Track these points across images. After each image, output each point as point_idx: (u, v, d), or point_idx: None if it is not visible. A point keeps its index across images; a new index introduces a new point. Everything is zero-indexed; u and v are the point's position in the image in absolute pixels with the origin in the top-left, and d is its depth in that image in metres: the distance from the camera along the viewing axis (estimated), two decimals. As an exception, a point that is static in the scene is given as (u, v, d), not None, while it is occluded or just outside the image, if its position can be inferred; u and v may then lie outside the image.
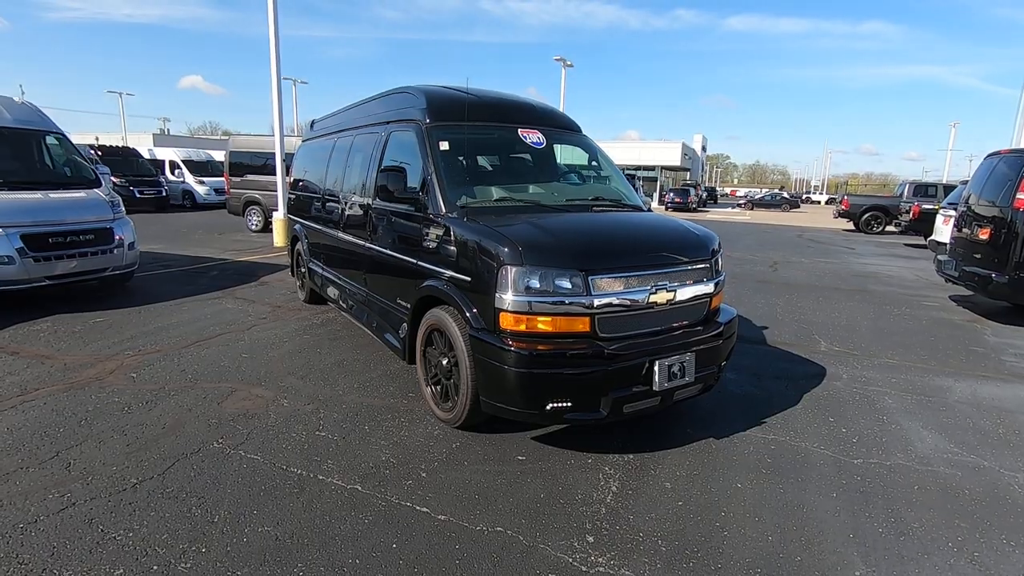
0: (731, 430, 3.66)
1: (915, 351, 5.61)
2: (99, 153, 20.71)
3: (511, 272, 2.97)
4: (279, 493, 2.81)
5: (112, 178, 19.75)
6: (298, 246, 6.80)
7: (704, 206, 45.26)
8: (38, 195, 6.44)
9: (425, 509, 2.71)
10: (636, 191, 4.68)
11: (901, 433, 3.72)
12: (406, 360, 3.97)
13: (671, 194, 36.76)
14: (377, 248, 4.35)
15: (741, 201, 49.85)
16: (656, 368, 3.11)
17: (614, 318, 3.09)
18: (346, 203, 5.03)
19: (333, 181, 5.46)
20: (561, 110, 4.81)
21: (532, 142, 4.14)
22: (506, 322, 3.00)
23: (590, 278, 3.00)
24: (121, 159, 21.14)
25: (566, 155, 4.65)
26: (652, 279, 3.21)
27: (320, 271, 5.96)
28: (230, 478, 2.93)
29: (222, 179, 17.98)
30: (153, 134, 51.83)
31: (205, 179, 22.97)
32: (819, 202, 67.73)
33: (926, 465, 3.30)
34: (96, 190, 7.10)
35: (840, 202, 23.31)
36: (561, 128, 4.59)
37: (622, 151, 45.51)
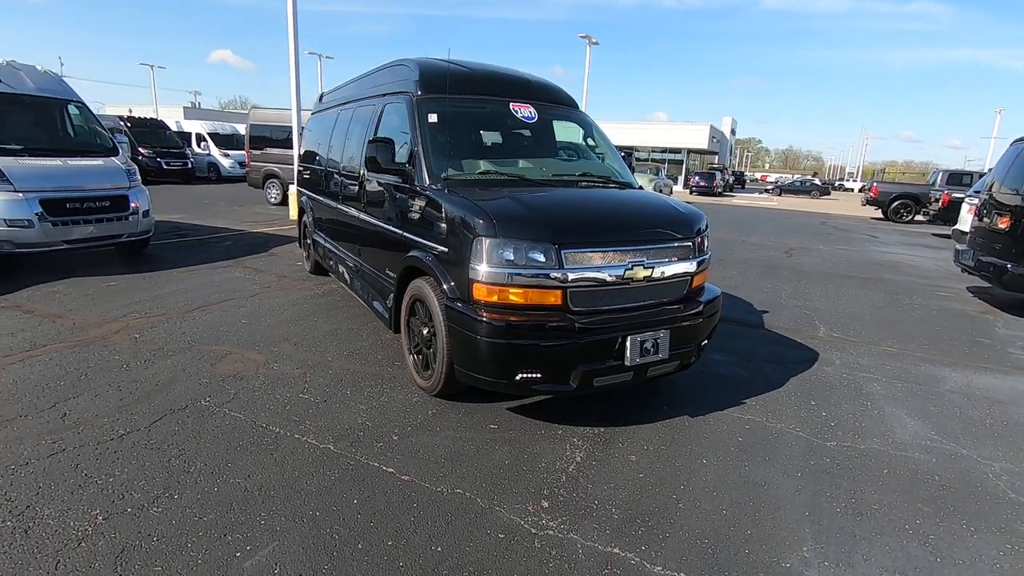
0: (708, 409, 3.67)
1: (917, 340, 5.50)
2: (128, 124, 21.19)
3: (485, 244, 3.01)
4: (255, 449, 2.94)
5: (140, 149, 20.33)
6: (305, 218, 6.94)
7: (731, 191, 44.33)
8: (57, 161, 6.66)
9: (391, 469, 2.81)
10: (631, 169, 4.63)
11: (882, 419, 3.68)
12: (392, 329, 4.06)
13: (696, 178, 35.99)
14: (368, 219, 4.43)
15: (769, 187, 48.64)
16: (628, 343, 3.13)
17: (587, 292, 3.11)
18: (343, 175, 5.11)
19: (334, 153, 5.54)
20: (559, 86, 4.76)
21: (523, 116, 4.13)
22: (479, 293, 3.05)
23: (563, 252, 3.02)
24: (149, 131, 21.58)
25: (563, 131, 4.62)
26: (629, 255, 3.21)
27: (323, 242, 6.08)
28: (211, 433, 3.07)
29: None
30: (184, 107, 52.57)
31: (230, 152, 23.35)
32: (852, 190, 65.66)
33: (901, 450, 3.27)
34: (113, 158, 7.31)
35: (869, 189, 22.61)
36: (556, 103, 4.56)
37: (648, 133, 44.75)
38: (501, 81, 4.37)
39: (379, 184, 4.21)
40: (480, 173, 3.72)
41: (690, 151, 44.75)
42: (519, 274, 3.00)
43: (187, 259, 7.54)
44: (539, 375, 3.05)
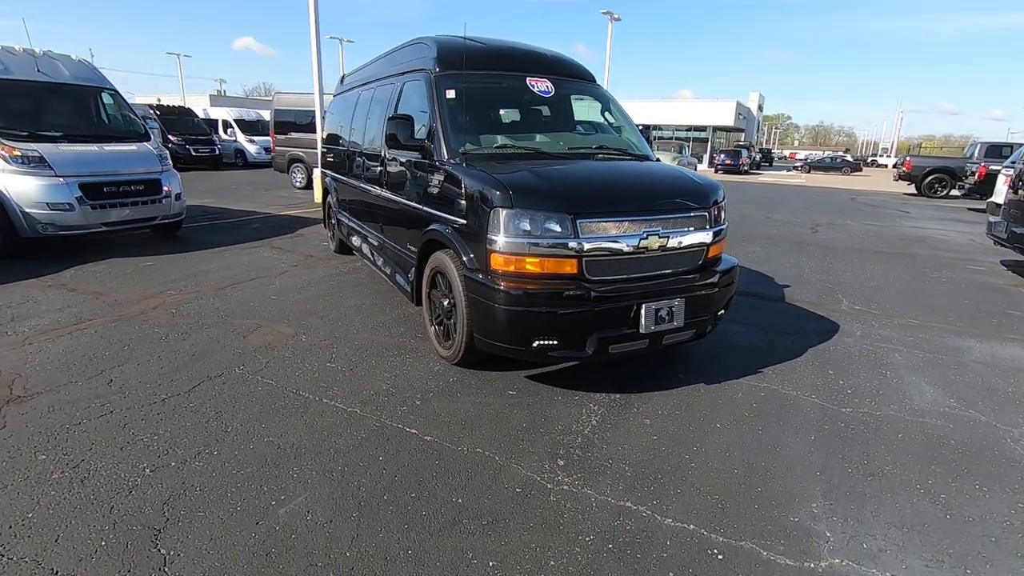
0: (724, 377, 3.72)
1: (943, 313, 5.42)
2: (157, 113, 21.69)
3: (502, 215, 3.09)
4: (286, 412, 3.11)
5: (170, 136, 20.82)
6: (329, 199, 7.10)
7: (758, 168, 43.36)
8: (94, 147, 6.93)
9: (414, 431, 2.95)
10: (648, 143, 4.63)
11: (900, 387, 3.69)
12: (414, 302, 4.19)
13: (721, 155, 35.31)
14: (390, 196, 4.54)
15: (798, 164, 47.40)
16: (643, 312, 3.20)
17: (603, 261, 3.18)
18: (365, 154, 5.22)
19: (356, 133, 5.65)
20: (576, 60, 4.77)
21: (540, 91, 4.17)
22: (497, 263, 3.14)
23: (578, 222, 3.09)
24: (177, 118, 22.07)
25: (582, 105, 4.65)
26: (644, 225, 3.26)
27: (347, 221, 6.24)
28: (246, 398, 3.25)
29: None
30: (210, 95, 53.40)
31: (256, 138, 23.74)
32: (885, 166, 63.48)
33: (917, 417, 3.29)
34: (146, 143, 7.57)
35: (902, 164, 21.89)
36: (573, 78, 4.58)
37: (672, 111, 43.92)
38: (518, 56, 4.40)
39: (399, 161, 4.31)
40: (497, 147, 3.79)
41: (715, 129, 43.84)
42: (535, 244, 3.08)
43: (218, 240, 7.79)
44: (555, 342, 3.14)
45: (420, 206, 3.96)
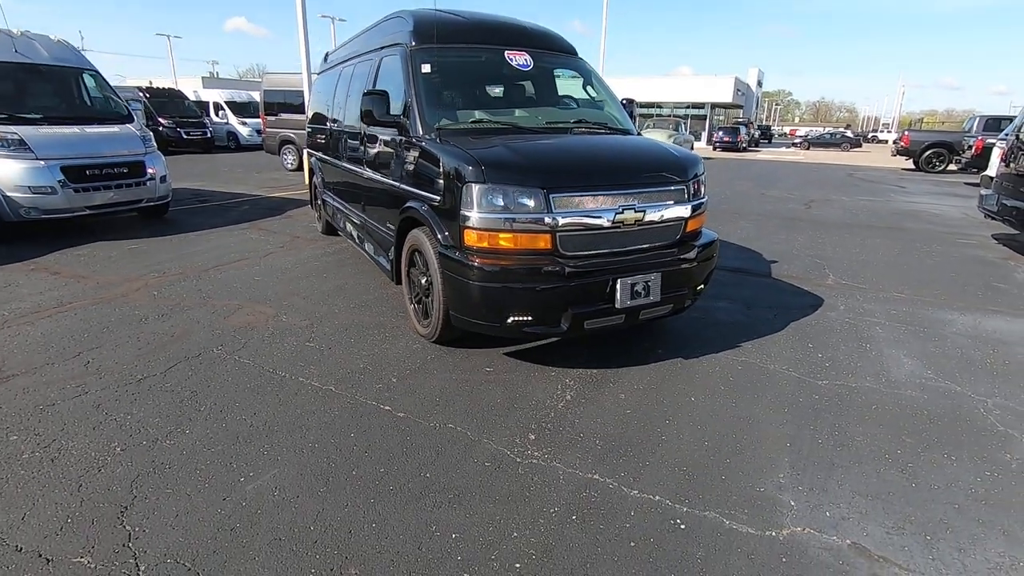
0: (703, 352, 3.72)
1: (930, 286, 5.40)
2: (147, 95, 21.43)
3: (474, 190, 3.06)
4: (261, 391, 3.11)
5: (160, 119, 20.60)
6: (314, 179, 7.05)
7: (757, 146, 42.99)
8: (76, 129, 6.84)
9: (388, 407, 2.95)
10: (632, 118, 4.57)
11: (879, 359, 3.69)
12: (394, 281, 4.17)
13: (720, 132, 34.92)
14: (369, 174, 4.50)
15: (797, 140, 46.98)
16: (618, 286, 3.18)
17: (577, 236, 3.15)
18: (346, 132, 5.16)
19: (337, 112, 5.58)
20: (558, 33, 4.68)
21: (519, 64, 4.10)
22: (470, 239, 3.12)
23: (551, 196, 3.05)
24: (168, 101, 21.80)
25: (563, 79, 4.57)
26: (619, 199, 3.22)
27: (331, 201, 6.19)
28: (221, 377, 3.26)
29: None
30: (202, 77, 52.64)
31: (248, 120, 23.46)
32: (886, 141, 62.86)
33: (893, 388, 3.29)
34: (129, 125, 7.47)
35: (900, 139, 21.69)
36: (554, 51, 4.50)
37: (670, 87, 43.36)
38: (496, 30, 4.32)
39: (378, 138, 4.25)
40: (473, 122, 3.73)
41: (714, 105, 43.35)
42: (509, 219, 3.05)
43: (205, 223, 7.75)
44: (530, 318, 3.13)
45: (397, 184, 3.92)
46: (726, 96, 41.60)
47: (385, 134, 4.05)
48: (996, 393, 3.26)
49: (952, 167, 19.18)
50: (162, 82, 33.57)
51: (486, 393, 3.13)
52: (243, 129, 23.15)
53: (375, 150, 4.35)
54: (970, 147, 15.54)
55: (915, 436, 2.79)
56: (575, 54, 4.65)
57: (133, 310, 4.33)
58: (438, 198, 3.34)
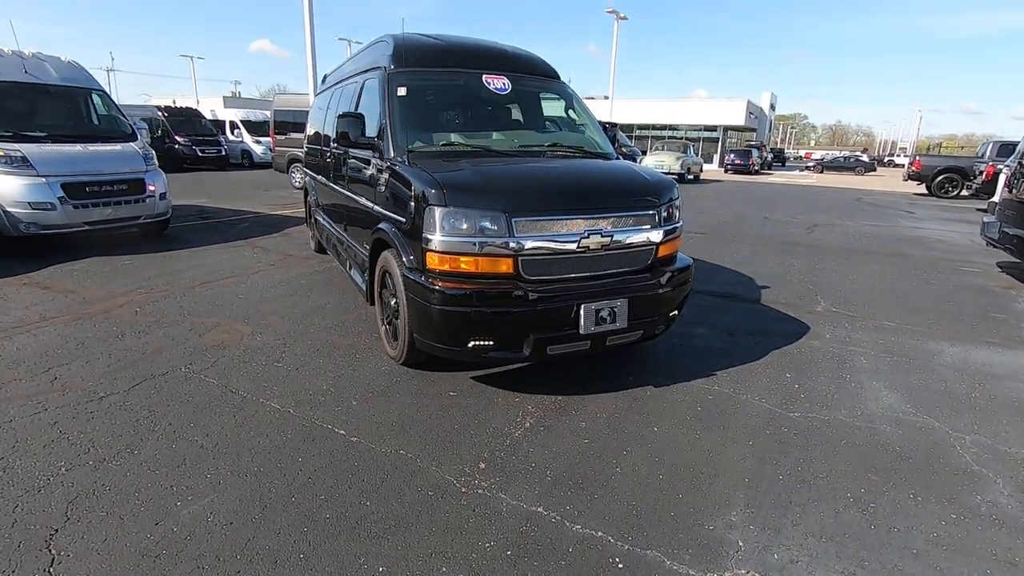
0: (674, 380, 3.64)
1: (923, 315, 5.27)
2: (165, 114, 22.00)
3: (436, 213, 3.05)
4: (219, 411, 3.09)
5: (177, 137, 21.11)
6: (309, 198, 7.11)
7: (769, 169, 42.85)
8: (78, 147, 7.01)
9: (342, 431, 2.91)
10: (613, 142, 4.56)
11: (857, 391, 3.57)
12: (369, 302, 4.16)
13: (731, 155, 34.88)
14: (349, 195, 4.53)
15: (810, 164, 46.75)
16: (582, 312, 3.13)
17: (540, 260, 3.12)
18: (333, 153, 5.21)
19: (327, 131, 5.64)
20: (540, 57, 4.71)
21: (496, 88, 4.12)
22: (432, 262, 3.10)
23: (513, 220, 3.03)
24: (185, 119, 22.35)
25: (540, 102, 4.58)
26: (585, 223, 3.19)
27: (321, 220, 6.23)
28: (183, 396, 3.24)
29: (273, 138, 18.71)
30: (224, 97, 54.06)
31: (262, 139, 23.90)
32: (903, 165, 62.30)
33: (866, 422, 3.18)
34: (131, 144, 7.64)
35: (911, 163, 21.47)
36: (535, 75, 4.52)
37: (683, 110, 43.50)
38: (476, 53, 4.35)
39: (355, 159, 4.29)
40: (444, 145, 3.74)
41: (726, 128, 43.34)
42: (469, 243, 3.03)
43: (203, 239, 7.85)
44: (491, 343, 3.09)
45: (372, 205, 3.93)
46: (738, 119, 41.61)
47: (362, 155, 4.08)
48: (975, 430, 3.13)
49: (964, 192, 18.89)
50: (185, 101, 34.59)
51: (445, 418, 3.08)
52: (257, 147, 23.59)
53: (353, 171, 4.38)
54: (981, 172, 15.30)
55: (881, 474, 2.68)
56: (557, 78, 4.66)
57: (112, 326, 4.36)
58: (404, 220, 3.34)
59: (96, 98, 7.94)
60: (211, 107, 29.77)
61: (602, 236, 3.22)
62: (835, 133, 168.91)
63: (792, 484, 2.57)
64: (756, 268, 6.98)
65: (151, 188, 7.41)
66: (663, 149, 23.85)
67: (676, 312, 3.70)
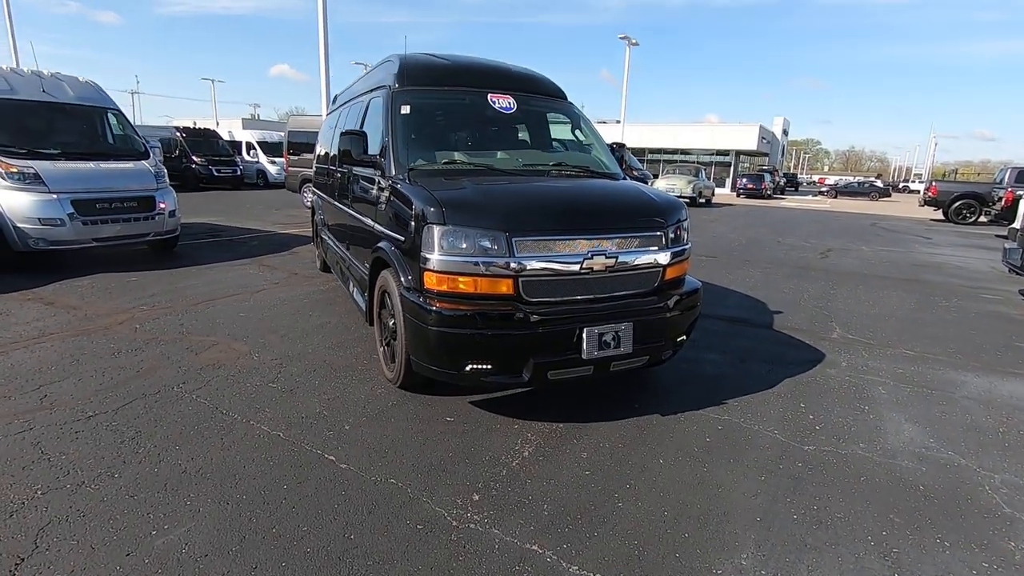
0: (683, 408, 3.48)
1: (944, 344, 5.06)
2: (183, 135, 22.44)
3: (435, 232, 2.96)
4: (208, 433, 2.98)
5: (194, 157, 21.47)
6: (316, 216, 7.10)
7: (782, 193, 42.66)
8: (90, 165, 7.07)
9: (332, 457, 2.79)
10: (621, 163, 4.47)
11: (876, 424, 3.39)
12: (368, 322, 4.06)
13: (743, 180, 34.78)
14: (351, 213, 4.47)
15: (824, 189, 46.48)
16: (585, 335, 3.00)
17: (542, 281, 3.01)
18: (336, 171, 5.18)
19: (332, 151, 5.63)
20: (548, 76, 4.67)
21: (501, 107, 4.06)
22: (430, 282, 3.00)
23: (514, 239, 2.93)
24: (202, 140, 22.76)
25: (546, 122, 4.52)
26: (589, 244, 3.08)
27: (326, 238, 6.20)
28: (172, 417, 3.15)
29: (289, 159, 18.95)
30: (243, 119, 55.22)
31: (277, 159, 24.25)
32: (918, 191, 61.73)
33: (888, 457, 2.99)
34: (143, 162, 7.70)
35: (927, 189, 21.19)
36: (541, 94, 4.47)
37: (695, 135, 43.61)
38: (481, 72, 4.31)
39: (358, 177, 4.24)
40: (446, 163, 3.67)
41: (739, 153, 43.31)
42: (468, 262, 2.93)
43: (211, 257, 7.85)
44: (489, 366, 2.97)
45: (372, 223, 3.86)
46: (751, 144, 41.58)
47: (364, 174, 4.03)
48: (1005, 468, 2.93)
49: (983, 219, 18.57)
50: (205, 123, 35.33)
51: (439, 445, 2.94)
52: (272, 168, 23.91)
53: (356, 189, 4.33)
54: (1000, 199, 15.04)
55: (906, 515, 2.49)
56: (564, 98, 4.61)
57: (110, 343, 4.30)
58: (403, 239, 3.26)
59: (111, 117, 8.05)
60: (229, 128, 30.32)
61: (606, 257, 3.11)
62: (848, 159, 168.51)
63: (807, 525, 2.40)
64: (768, 292, 6.80)
65: (161, 206, 7.45)
66: (675, 172, 23.82)
67: (684, 337, 3.56)
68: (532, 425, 3.19)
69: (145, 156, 7.85)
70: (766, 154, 46.85)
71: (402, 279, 3.21)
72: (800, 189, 55.80)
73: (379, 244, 3.62)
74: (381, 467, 2.72)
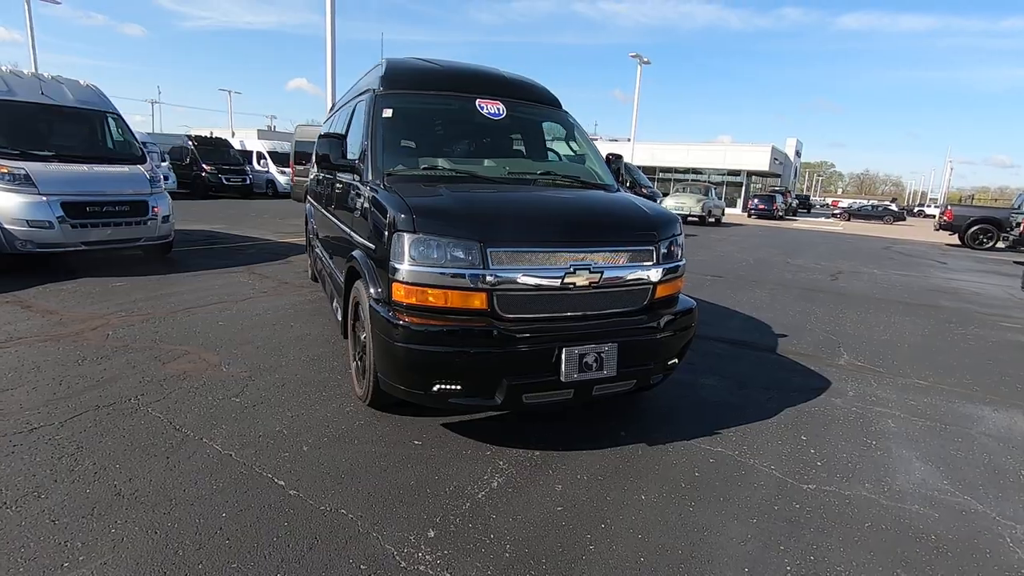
0: (673, 437, 3.21)
1: (959, 374, 4.75)
2: (195, 143, 22.63)
3: (404, 240, 2.75)
4: (155, 451, 2.76)
5: (204, 165, 21.61)
6: (308, 224, 6.94)
7: (794, 215, 42.27)
8: (83, 167, 6.98)
9: (282, 483, 2.55)
10: (617, 174, 4.24)
11: (884, 461, 3.10)
12: (343, 335, 3.85)
13: (755, 200, 34.49)
14: (333, 220, 4.29)
15: (837, 211, 46.00)
16: (564, 356, 2.76)
17: (518, 296, 2.78)
18: (322, 177, 5.02)
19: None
20: (541, 84, 4.49)
21: (489, 112, 3.88)
22: (398, 293, 2.79)
23: (488, 250, 2.72)
24: (213, 149, 22.95)
25: (539, 129, 4.34)
26: (571, 258, 2.86)
27: (316, 247, 6.02)
28: (121, 432, 2.93)
29: (297, 168, 18.98)
30: (259, 130, 55.94)
31: (286, 169, 24.36)
32: (933, 216, 60.89)
33: (896, 501, 2.70)
34: (139, 166, 7.62)
35: (943, 213, 20.79)
36: (534, 102, 4.28)
37: (707, 154, 43.44)
38: (471, 77, 4.14)
39: (339, 183, 4.07)
40: (426, 169, 3.48)
41: (750, 173, 43.04)
42: (439, 273, 2.71)
43: (204, 264, 7.71)
44: (459, 387, 2.74)
45: (350, 231, 3.67)
46: (763, 164, 41.31)
47: (345, 179, 3.85)
48: (1028, 516, 2.63)
49: (1000, 244, 18.12)
50: (222, 133, 35.76)
51: (402, 472, 2.70)
52: (281, 178, 24.00)
53: (337, 196, 4.15)
54: (1019, 224, 14.64)
55: (914, 569, 2.21)
56: (558, 106, 4.42)
57: (76, 350, 4.12)
58: (375, 247, 3.06)
59: (111, 121, 8.00)
60: (243, 138, 30.60)
61: (590, 272, 2.88)
62: (863, 182, 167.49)
63: (802, 578, 2.12)
64: (774, 315, 6.52)
65: (154, 210, 7.34)
66: (684, 191, 23.60)
67: (676, 360, 3.31)
68: (506, 452, 2.94)
69: (142, 161, 7.77)
70: (778, 175, 46.53)
71: (372, 290, 3.00)
72: (812, 211, 55.30)
73: (352, 253, 3.42)
74: (334, 495, 2.48)
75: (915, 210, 65.31)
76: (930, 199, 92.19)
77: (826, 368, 4.67)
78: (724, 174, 43.04)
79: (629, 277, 3.02)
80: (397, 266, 2.77)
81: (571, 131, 4.33)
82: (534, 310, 2.83)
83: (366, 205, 3.27)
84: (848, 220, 40.87)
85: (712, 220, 22.96)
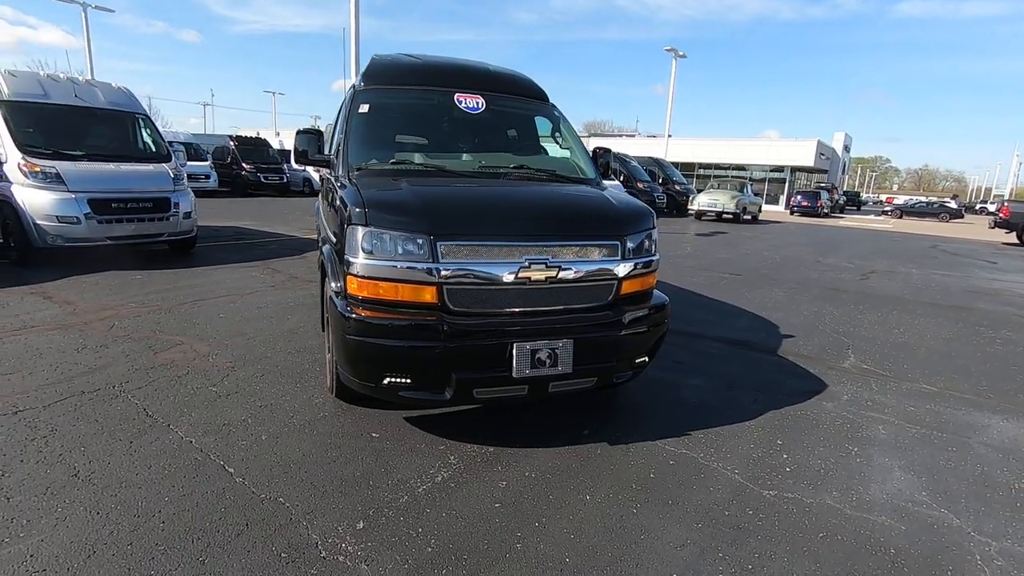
0: (638, 437, 3.13)
1: (974, 380, 4.44)
2: (236, 143, 23.48)
3: (358, 233, 2.77)
4: (120, 436, 2.88)
5: (244, 164, 22.39)
6: (317, 220, 7.10)
7: (842, 212, 40.54)
8: (111, 166, 7.34)
9: (231, 470, 2.62)
10: (606, 168, 4.14)
11: (861, 469, 2.93)
12: (322, 328, 3.92)
13: (798, 196, 33.18)
14: (322, 215, 4.36)
15: (887, 209, 43.85)
16: (515, 352, 2.73)
17: (470, 290, 2.76)
18: (322, 174, 5.11)
19: (323, 154, 5.58)
20: (529, 78, 4.43)
21: (468, 107, 3.86)
22: (352, 286, 2.81)
23: (439, 244, 2.70)
24: (253, 148, 23.76)
25: (522, 123, 4.29)
26: (525, 251, 2.81)
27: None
28: (96, 417, 3.07)
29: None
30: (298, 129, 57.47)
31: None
32: (994, 213, 57.19)
33: (861, 511, 2.55)
34: (164, 164, 7.95)
35: (999, 210, 19.51)
36: (517, 95, 4.24)
37: (749, 150, 42.14)
38: (453, 72, 4.12)
39: (326, 179, 4.13)
40: (395, 163, 3.49)
41: (794, 169, 41.51)
42: (390, 266, 2.71)
43: (224, 259, 7.98)
44: (408, 380, 2.73)
45: (327, 225, 3.73)
46: (807, 160, 39.76)
47: (326, 174, 3.91)
48: (1008, 534, 2.44)
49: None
50: (266, 133, 37.00)
51: (350, 463, 2.72)
52: (317, 176, 24.61)
53: (323, 191, 4.22)
54: (1080, 221, 13.58)
55: (861, 585, 2.08)
56: (544, 100, 4.36)
57: (80, 338, 4.33)
58: (335, 240, 3.09)
59: (140, 121, 8.39)
60: (284, 138, 31.55)
61: (547, 267, 2.83)
62: (921, 178, 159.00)
63: (733, 587, 2.03)
64: (785, 315, 6.26)
65: (176, 206, 7.65)
66: (717, 187, 22.97)
67: (646, 359, 3.22)
68: (460, 447, 2.93)
69: (167, 159, 8.11)
70: (824, 171, 44.69)
71: (333, 284, 3.04)
72: (863, 208, 52.90)
73: (323, 247, 3.47)
74: (278, 484, 2.52)
75: (977, 207, 61.64)
76: (995, 195, 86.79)
77: (827, 371, 4.45)
78: (767, 170, 41.67)
79: (590, 271, 2.95)
80: (352, 259, 2.79)
81: (556, 124, 4.26)
82: (487, 304, 2.80)
83: (334, 199, 3.32)
84: (900, 217, 38.90)
85: (748, 217, 22.25)
